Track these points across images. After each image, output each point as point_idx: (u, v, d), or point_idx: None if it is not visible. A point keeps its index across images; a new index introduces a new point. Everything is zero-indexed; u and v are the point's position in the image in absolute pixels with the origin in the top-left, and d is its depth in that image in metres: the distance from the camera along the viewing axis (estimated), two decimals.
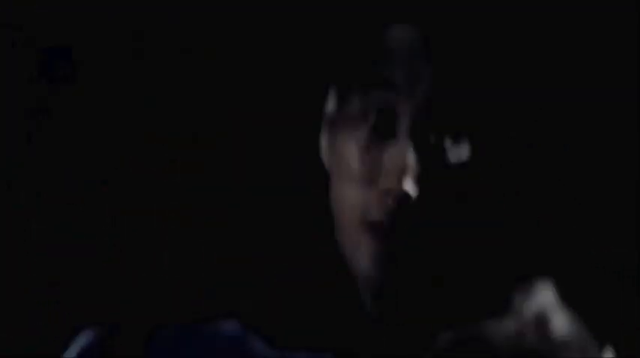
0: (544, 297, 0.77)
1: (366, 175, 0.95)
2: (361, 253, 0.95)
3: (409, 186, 0.92)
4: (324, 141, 1.03)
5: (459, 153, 0.94)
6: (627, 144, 1.18)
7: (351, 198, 0.96)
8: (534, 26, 1.03)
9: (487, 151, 0.96)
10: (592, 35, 1.18)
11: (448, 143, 0.93)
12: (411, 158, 0.92)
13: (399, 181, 0.92)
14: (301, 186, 1.05)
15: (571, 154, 1.16)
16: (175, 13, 1.25)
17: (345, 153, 0.97)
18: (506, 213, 0.96)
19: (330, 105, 1.01)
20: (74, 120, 1.26)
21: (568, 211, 1.15)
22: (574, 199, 1.16)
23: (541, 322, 0.75)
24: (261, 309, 0.97)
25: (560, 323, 0.75)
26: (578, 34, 1.18)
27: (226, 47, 1.23)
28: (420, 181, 0.92)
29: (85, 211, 1.23)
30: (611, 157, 1.18)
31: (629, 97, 1.18)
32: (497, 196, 0.96)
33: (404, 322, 0.93)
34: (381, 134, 0.95)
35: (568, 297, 1.05)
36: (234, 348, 0.93)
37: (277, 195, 1.08)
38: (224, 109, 1.22)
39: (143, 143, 1.24)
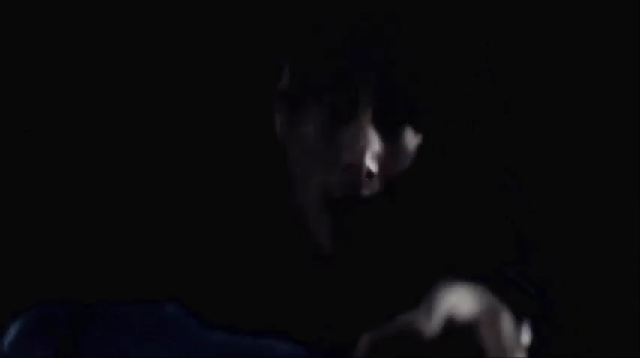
0: (451, 297, 0.77)
1: (326, 154, 0.95)
2: (321, 229, 0.95)
3: (369, 163, 0.92)
4: (279, 121, 1.02)
5: (415, 135, 0.94)
6: (625, 143, 1.18)
7: (312, 177, 0.95)
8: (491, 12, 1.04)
9: (447, 135, 0.96)
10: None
11: (406, 126, 0.94)
12: (372, 135, 0.92)
13: (360, 158, 0.92)
14: (255, 164, 1.04)
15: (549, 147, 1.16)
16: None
17: (304, 133, 0.96)
18: (467, 193, 0.96)
19: (285, 83, 1.01)
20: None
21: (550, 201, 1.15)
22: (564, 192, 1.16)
23: (450, 322, 0.76)
24: (205, 292, 0.97)
25: (469, 319, 0.76)
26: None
27: (185, 27, 1.22)
28: (380, 159, 0.93)
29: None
30: (609, 156, 1.18)
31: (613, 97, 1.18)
32: (458, 177, 0.96)
33: (360, 297, 0.93)
34: (342, 112, 0.95)
35: (568, 297, 1.04)
36: (174, 329, 0.94)
37: (231, 176, 1.07)
38: (177, 89, 1.22)
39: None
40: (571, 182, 1.15)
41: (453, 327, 0.75)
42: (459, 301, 0.77)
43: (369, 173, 0.92)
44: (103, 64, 1.22)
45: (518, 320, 0.77)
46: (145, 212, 1.15)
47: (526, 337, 0.78)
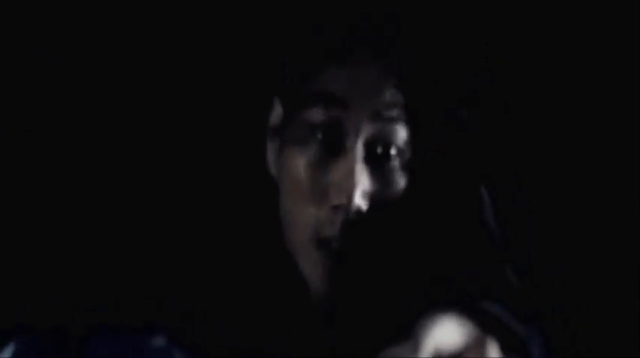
0: (437, 329, 0.78)
1: (316, 192, 0.94)
2: (313, 268, 0.95)
3: (359, 201, 0.91)
4: (270, 154, 1.02)
5: (405, 165, 0.94)
6: (624, 144, 1.18)
7: (302, 215, 0.94)
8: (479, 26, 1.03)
9: (438, 165, 0.96)
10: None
11: (394, 156, 0.93)
12: (360, 173, 0.92)
13: (349, 197, 0.91)
14: (247, 196, 1.04)
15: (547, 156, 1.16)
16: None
17: (293, 170, 0.95)
18: (459, 225, 0.96)
19: (275, 117, 1.01)
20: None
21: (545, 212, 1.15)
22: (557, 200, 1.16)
23: (437, 355, 0.77)
24: (192, 321, 0.97)
25: (456, 351, 0.76)
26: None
27: (178, 55, 1.22)
28: (369, 196, 0.92)
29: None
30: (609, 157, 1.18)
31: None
32: (447, 210, 0.96)
33: (354, 336, 0.93)
34: (330, 149, 0.94)
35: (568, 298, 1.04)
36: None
37: (220, 204, 1.06)
38: (170, 117, 1.21)
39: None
40: (571, 182, 1.15)
41: None
42: (446, 333, 0.77)
43: (359, 212, 0.91)
44: (103, 64, 1.22)
45: (505, 351, 0.78)
46: (138, 241, 1.14)
47: None
